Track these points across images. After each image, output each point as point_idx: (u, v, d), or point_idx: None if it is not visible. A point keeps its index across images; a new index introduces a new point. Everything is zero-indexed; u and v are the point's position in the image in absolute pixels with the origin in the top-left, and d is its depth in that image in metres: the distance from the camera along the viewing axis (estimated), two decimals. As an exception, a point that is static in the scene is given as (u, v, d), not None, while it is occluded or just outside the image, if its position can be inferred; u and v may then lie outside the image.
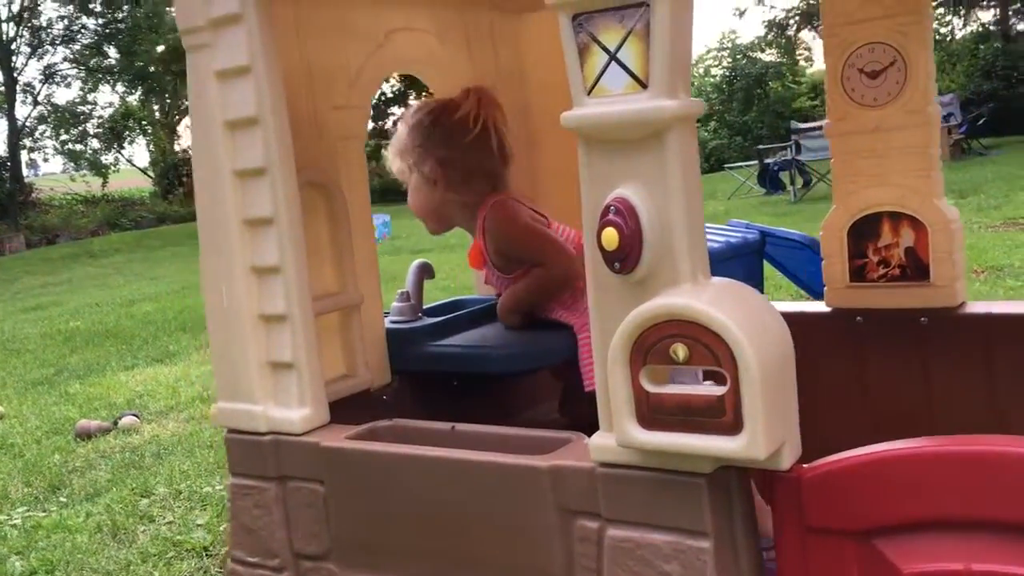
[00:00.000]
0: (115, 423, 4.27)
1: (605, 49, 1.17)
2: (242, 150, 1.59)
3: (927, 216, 1.96)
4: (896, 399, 2.00)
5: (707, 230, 4.57)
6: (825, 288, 2.10)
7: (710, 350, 1.12)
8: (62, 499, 3.26)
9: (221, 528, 2.77)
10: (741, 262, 4.38)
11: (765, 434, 1.10)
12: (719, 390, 1.13)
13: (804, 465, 1.18)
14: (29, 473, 3.69)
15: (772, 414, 1.11)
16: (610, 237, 1.17)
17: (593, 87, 1.19)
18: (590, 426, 1.95)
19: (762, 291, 4.61)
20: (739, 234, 4.51)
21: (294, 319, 1.60)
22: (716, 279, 1.22)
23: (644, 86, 1.15)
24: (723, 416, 1.13)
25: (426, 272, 2.07)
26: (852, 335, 2.05)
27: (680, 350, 1.14)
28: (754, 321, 1.15)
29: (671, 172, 1.16)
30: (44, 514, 3.14)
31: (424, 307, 2.09)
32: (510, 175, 2.02)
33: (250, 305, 1.63)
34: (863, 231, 2.03)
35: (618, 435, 1.21)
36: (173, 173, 29.92)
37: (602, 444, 1.27)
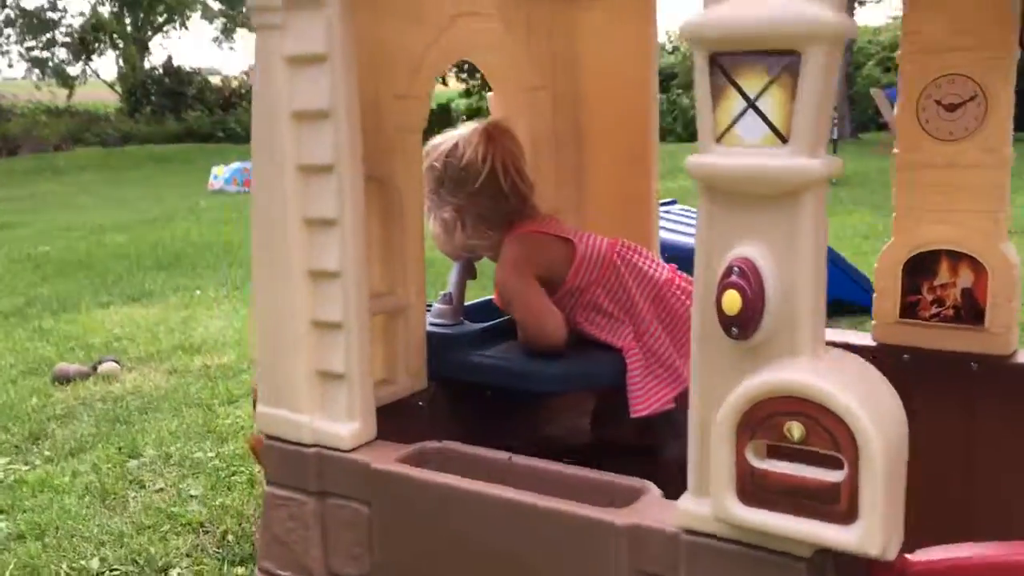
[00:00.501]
0: (94, 368, 4.15)
1: (744, 95, 1.09)
2: (309, 144, 1.48)
3: (990, 259, 1.90)
4: (936, 445, 1.94)
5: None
6: (874, 322, 2.04)
7: (830, 433, 1.06)
8: (46, 452, 3.15)
9: (216, 503, 2.69)
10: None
11: (881, 528, 1.04)
12: (836, 475, 1.06)
13: (908, 556, 1.12)
14: (6, 418, 3.57)
15: (889, 506, 1.05)
16: (732, 301, 1.09)
17: (724, 134, 1.10)
18: (628, 448, 1.89)
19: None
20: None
21: (350, 328, 1.52)
22: (833, 350, 1.15)
23: (784, 140, 1.07)
24: (836, 504, 1.07)
25: (469, 272, 1.98)
26: (897, 373, 1.95)
27: (796, 429, 1.08)
28: (876, 404, 1.09)
29: (804, 235, 1.08)
30: (27, 467, 3.03)
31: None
32: (531, 204, 1.95)
33: (304, 310, 1.53)
34: (920, 267, 1.98)
35: (715, 508, 1.14)
36: (141, 91, 29.25)
37: (691, 511, 1.20)
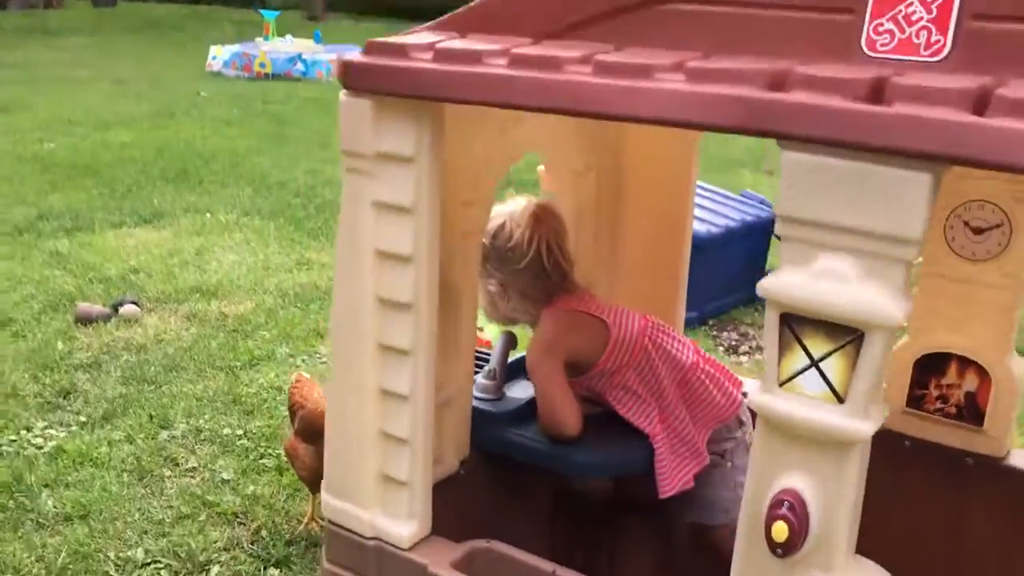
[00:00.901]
0: (115, 309, 4.28)
1: (808, 355, 1.22)
2: (390, 282, 1.60)
3: (996, 370, 2.06)
4: (927, 528, 2.15)
5: (723, 202, 4.57)
6: (882, 409, 2.21)
7: (855, 646, 1.24)
8: (80, 415, 3.31)
9: (248, 491, 2.87)
10: (750, 240, 4.45)
11: None
12: None
13: None
14: (35, 364, 3.72)
15: None
16: (780, 531, 1.25)
17: (787, 381, 1.24)
18: (645, 507, 2.06)
19: (764, 269, 4.73)
20: (753, 211, 4.57)
21: (415, 444, 1.67)
22: (861, 562, 1.31)
23: (841, 400, 1.21)
24: None
25: (511, 345, 2.12)
26: (897, 457, 2.18)
27: (826, 637, 1.26)
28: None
29: (848, 478, 1.23)
30: (64, 433, 3.20)
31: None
32: (570, 280, 2.06)
33: (374, 423, 1.68)
34: (930, 365, 2.13)
35: None
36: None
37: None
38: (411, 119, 1.51)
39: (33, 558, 2.55)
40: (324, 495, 1.78)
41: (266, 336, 4.07)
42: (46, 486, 2.88)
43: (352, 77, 1.53)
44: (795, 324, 1.22)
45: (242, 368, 3.75)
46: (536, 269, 2.00)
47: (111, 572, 2.51)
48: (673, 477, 2.01)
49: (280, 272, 4.94)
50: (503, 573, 1.68)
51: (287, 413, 2.85)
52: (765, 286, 1.23)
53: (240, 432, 3.22)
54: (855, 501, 1.25)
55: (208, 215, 5.91)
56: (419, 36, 1.54)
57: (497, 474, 2.06)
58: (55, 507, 2.77)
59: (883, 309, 1.15)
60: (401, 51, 1.49)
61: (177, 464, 3.04)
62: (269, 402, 3.45)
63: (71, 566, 2.52)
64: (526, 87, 1.36)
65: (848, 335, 1.18)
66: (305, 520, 2.72)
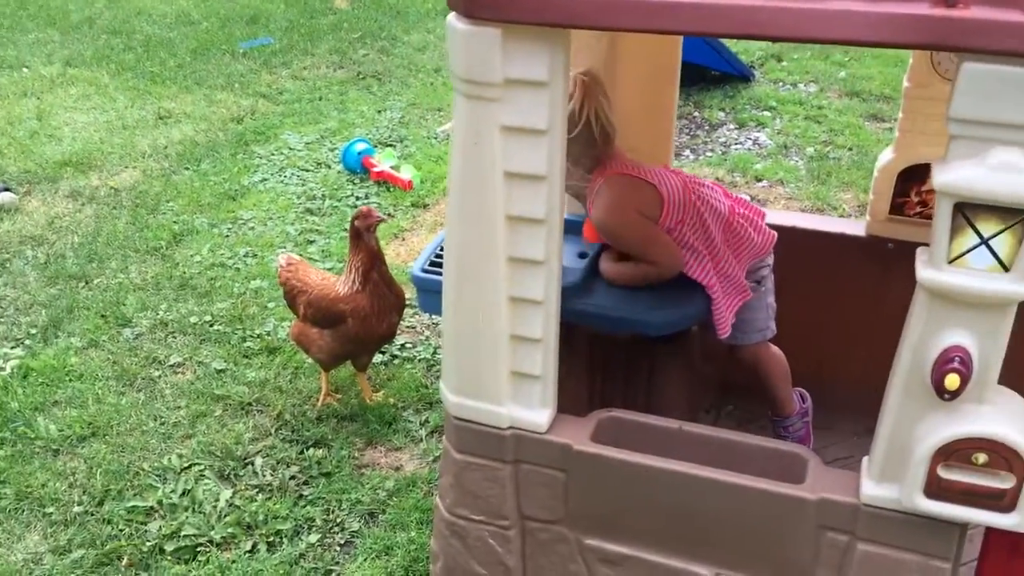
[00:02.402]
0: (-12, 200, 3.95)
1: (979, 235, 1.41)
2: (521, 200, 1.64)
3: (970, 174, 2.34)
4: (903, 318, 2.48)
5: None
6: (868, 220, 2.48)
7: (1007, 460, 1.51)
8: (22, 327, 3.13)
9: (249, 377, 2.88)
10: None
11: (1031, 514, 1.54)
12: (1005, 484, 1.53)
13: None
14: (-66, 277, 3.44)
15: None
16: (952, 381, 1.47)
17: (956, 259, 1.44)
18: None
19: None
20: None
21: (548, 342, 1.77)
22: (1002, 392, 1.56)
23: (1006, 269, 1.42)
24: (1001, 501, 1.54)
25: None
26: (881, 258, 2.47)
27: (981, 457, 1.52)
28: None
29: (1005, 332, 1.46)
30: (19, 349, 3.03)
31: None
32: (613, 145, 2.15)
33: (506, 328, 1.76)
34: (912, 175, 2.40)
35: (905, 501, 1.59)
36: None
37: (875, 494, 1.64)
38: (544, 44, 1.51)
39: (67, 485, 2.51)
40: (448, 396, 1.87)
41: (174, 208, 3.90)
42: (36, 410, 2.77)
43: (479, 7, 1.50)
44: (968, 212, 1.40)
45: (168, 248, 3.61)
46: (586, 136, 2.06)
47: (154, 484, 2.51)
48: (726, 318, 2.21)
49: (144, 130, 4.64)
50: (633, 437, 1.85)
51: (244, 289, 2.83)
52: (942, 181, 1.39)
53: (207, 318, 3.17)
54: (1004, 350, 1.49)
55: (25, 70, 5.37)
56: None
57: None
58: (60, 430, 2.69)
59: (1053, 193, 1.34)
60: (531, -25, 1.47)
61: (160, 362, 2.98)
62: (219, 280, 3.38)
63: (112, 486, 2.50)
64: (693, 13, 1.39)
65: (1018, 215, 1.38)
66: (321, 396, 2.78)
